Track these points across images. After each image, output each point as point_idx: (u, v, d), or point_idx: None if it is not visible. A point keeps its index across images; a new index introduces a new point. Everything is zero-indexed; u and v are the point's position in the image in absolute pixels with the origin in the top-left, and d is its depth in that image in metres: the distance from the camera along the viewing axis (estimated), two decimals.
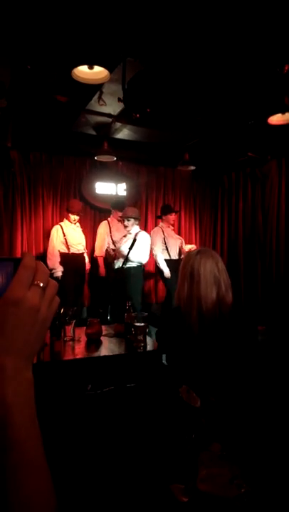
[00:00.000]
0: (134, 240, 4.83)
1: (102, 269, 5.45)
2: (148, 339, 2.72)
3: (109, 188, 6.22)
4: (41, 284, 0.50)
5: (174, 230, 5.96)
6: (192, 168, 5.79)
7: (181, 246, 5.86)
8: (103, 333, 2.87)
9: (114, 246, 5.31)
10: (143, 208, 6.64)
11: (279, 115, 3.73)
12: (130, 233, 4.94)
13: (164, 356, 2.68)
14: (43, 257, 5.50)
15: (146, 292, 6.56)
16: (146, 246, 4.92)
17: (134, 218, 4.92)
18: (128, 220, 4.88)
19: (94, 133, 5.04)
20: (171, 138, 5.24)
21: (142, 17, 2.62)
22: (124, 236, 5.01)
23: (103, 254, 5.46)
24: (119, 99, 3.68)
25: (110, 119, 4.48)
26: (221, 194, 7.06)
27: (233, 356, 1.78)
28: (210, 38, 2.87)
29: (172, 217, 5.80)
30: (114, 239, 5.44)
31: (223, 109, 4.12)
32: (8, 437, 0.44)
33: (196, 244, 7.10)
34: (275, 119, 3.82)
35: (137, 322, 2.66)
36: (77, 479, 1.25)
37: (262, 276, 6.17)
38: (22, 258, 0.50)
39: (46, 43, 2.91)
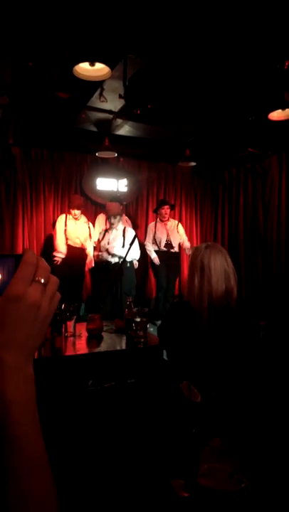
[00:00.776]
0: (124, 237, 4.81)
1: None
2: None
3: (110, 184, 6.22)
4: (42, 281, 0.50)
5: (165, 223, 5.95)
6: (193, 164, 5.79)
7: (182, 243, 5.91)
8: (104, 329, 2.88)
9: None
10: (144, 204, 6.65)
11: (279, 111, 3.72)
12: (117, 229, 4.89)
13: (164, 352, 2.70)
14: (44, 250, 5.52)
15: (148, 287, 6.58)
16: (137, 242, 4.92)
17: (120, 215, 4.91)
18: (114, 218, 4.83)
19: (95, 129, 5.03)
20: (171, 134, 5.23)
21: (142, 14, 2.62)
22: (107, 231, 4.95)
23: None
24: (120, 96, 3.68)
25: (111, 116, 4.47)
26: (221, 189, 7.05)
27: (238, 350, 1.79)
28: (210, 34, 2.86)
29: (164, 210, 5.83)
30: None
31: (223, 104, 4.11)
32: (8, 433, 0.44)
33: (197, 239, 7.12)
34: (276, 115, 3.82)
35: (138, 318, 2.67)
36: (78, 475, 1.27)
37: (262, 271, 6.18)
38: (23, 254, 0.50)
39: (47, 40, 2.90)
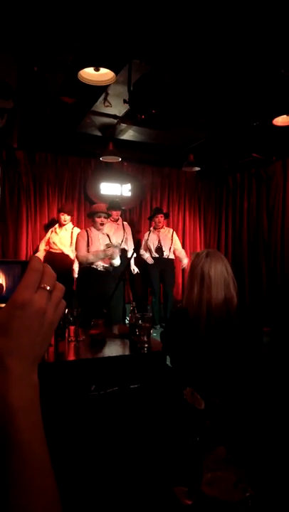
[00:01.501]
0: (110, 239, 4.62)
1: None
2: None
3: (114, 189, 6.24)
4: (48, 288, 0.50)
5: (158, 230, 5.95)
6: (197, 169, 5.80)
7: (177, 253, 5.92)
8: (107, 334, 2.87)
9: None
10: (148, 209, 6.65)
11: (284, 116, 3.73)
12: (104, 233, 4.57)
13: (168, 357, 2.68)
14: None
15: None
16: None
17: (108, 217, 4.64)
18: (105, 218, 4.53)
19: (99, 134, 5.05)
20: (175, 139, 5.24)
21: (147, 19, 2.63)
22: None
23: None
24: (124, 101, 3.69)
25: (116, 120, 4.49)
26: (225, 195, 7.05)
27: (239, 358, 1.78)
28: (215, 39, 2.87)
29: (157, 219, 5.86)
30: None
31: (228, 109, 4.12)
32: (12, 440, 0.44)
33: (200, 244, 7.12)
34: (280, 120, 3.82)
35: (142, 323, 2.66)
36: (81, 480, 1.26)
37: (267, 277, 6.16)
38: (29, 261, 0.50)
39: (52, 45, 2.92)
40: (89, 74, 2.92)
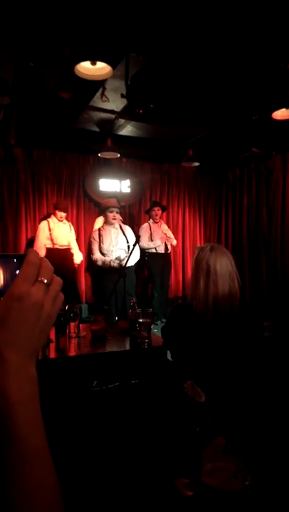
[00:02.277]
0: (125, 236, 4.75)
1: None
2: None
3: (113, 185, 6.22)
4: (45, 281, 0.50)
5: (159, 225, 6.00)
6: (196, 164, 5.79)
7: (169, 242, 5.94)
8: (108, 330, 2.88)
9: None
10: (147, 205, 6.65)
11: (283, 110, 3.71)
12: (116, 228, 4.76)
13: (168, 352, 2.69)
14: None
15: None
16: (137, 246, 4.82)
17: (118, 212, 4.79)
18: (117, 212, 4.68)
19: (97, 129, 5.03)
20: (174, 134, 5.22)
21: (145, 12, 2.61)
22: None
23: None
24: (122, 95, 3.67)
25: (113, 116, 4.47)
26: (225, 190, 7.04)
27: (241, 351, 1.78)
28: (214, 32, 2.85)
29: (154, 212, 5.89)
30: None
31: (227, 104, 4.10)
32: (11, 432, 0.43)
33: (200, 240, 7.11)
34: (280, 114, 3.80)
35: (142, 318, 2.66)
36: (82, 474, 1.26)
37: (267, 272, 6.16)
38: (26, 254, 0.50)
39: (48, 40, 2.90)
40: (86, 68, 2.90)
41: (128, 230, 4.93)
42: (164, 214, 6.41)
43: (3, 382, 0.45)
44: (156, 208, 5.89)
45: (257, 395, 1.59)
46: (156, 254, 5.87)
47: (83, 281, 6.10)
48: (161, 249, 5.89)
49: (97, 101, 4.03)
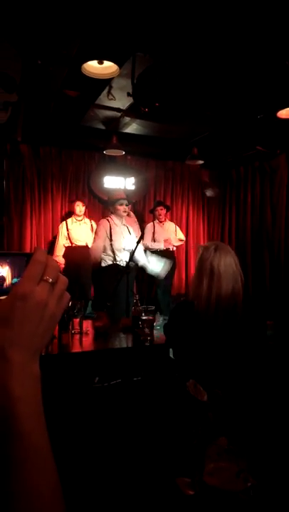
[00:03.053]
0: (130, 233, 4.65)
1: None
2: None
3: (117, 182, 6.23)
4: (50, 280, 0.50)
5: (163, 224, 6.00)
6: (201, 162, 5.77)
7: (169, 243, 5.91)
8: (111, 327, 2.89)
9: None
10: (151, 202, 6.65)
11: (288, 109, 3.70)
12: (124, 225, 4.64)
13: (171, 350, 2.70)
14: (50, 249, 5.56)
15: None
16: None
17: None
18: (127, 205, 4.55)
19: (103, 127, 5.03)
20: (179, 132, 5.22)
21: (151, 12, 2.61)
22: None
23: None
24: (128, 94, 3.67)
25: (119, 114, 4.47)
26: (229, 188, 7.02)
27: (243, 350, 1.79)
28: (220, 31, 2.84)
29: (157, 212, 5.91)
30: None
31: (232, 102, 4.09)
32: (14, 429, 0.44)
33: (204, 238, 7.11)
34: (285, 113, 3.79)
35: (145, 315, 2.67)
36: (84, 471, 1.27)
37: (270, 271, 6.15)
38: (33, 253, 0.50)
39: (56, 38, 2.91)
40: (93, 67, 2.91)
41: (133, 227, 4.90)
42: (168, 212, 6.43)
43: (6, 380, 0.45)
44: (159, 208, 5.92)
45: (259, 394, 1.60)
46: (159, 252, 5.88)
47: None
48: (161, 246, 5.88)
49: (103, 99, 4.03)
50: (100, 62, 2.86)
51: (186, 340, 1.96)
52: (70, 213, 5.68)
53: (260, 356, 1.88)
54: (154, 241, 5.85)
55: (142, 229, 6.20)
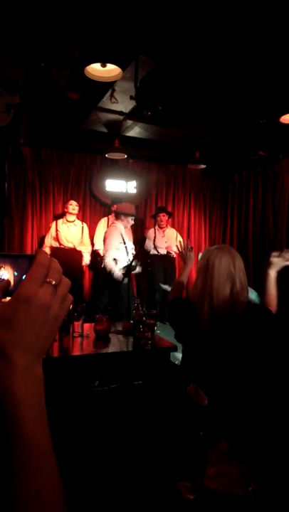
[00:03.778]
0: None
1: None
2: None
3: (119, 186, 6.24)
4: (53, 282, 0.50)
5: (164, 230, 6.06)
6: (203, 166, 5.79)
7: (170, 250, 5.91)
8: (111, 330, 2.88)
9: None
10: (152, 206, 6.65)
11: None
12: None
13: (172, 354, 2.69)
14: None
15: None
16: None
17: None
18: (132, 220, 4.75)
19: (105, 130, 5.04)
20: (182, 136, 5.23)
21: (155, 16, 2.62)
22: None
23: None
24: (131, 97, 3.68)
25: (122, 117, 4.48)
26: (231, 193, 7.02)
27: (243, 355, 1.77)
28: (223, 36, 2.85)
29: (159, 218, 5.96)
30: None
31: (234, 107, 4.10)
32: (17, 431, 0.44)
33: (205, 242, 7.10)
34: (288, 118, 3.79)
35: (146, 319, 2.66)
36: (85, 475, 1.26)
37: None
38: (36, 255, 0.50)
39: (59, 41, 2.92)
40: (96, 70, 2.91)
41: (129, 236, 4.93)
42: (170, 218, 6.46)
43: (9, 382, 0.45)
44: (161, 214, 5.96)
45: (260, 399, 1.59)
46: (159, 256, 5.89)
47: (87, 280, 6.12)
48: (163, 251, 5.92)
49: (105, 102, 4.04)
50: (103, 65, 2.86)
51: (187, 341, 1.94)
52: (63, 214, 5.64)
53: (261, 362, 1.86)
54: (155, 246, 5.86)
55: (143, 233, 6.22)
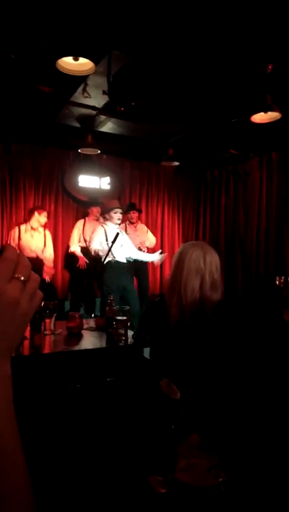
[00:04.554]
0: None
1: (82, 261, 5.46)
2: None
3: (92, 182, 6.18)
4: (22, 278, 0.48)
5: (135, 225, 6.05)
6: (176, 163, 5.82)
7: (143, 246, 5.90)
8: (84, 327, 2.86)
9: (86, 244, 5.34)
10: (126, 202, 6.65)
11: (262, 114, 3.76)
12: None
13: (145, 350, 2.70)
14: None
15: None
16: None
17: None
18: (121, 213, 4.71)
19: (78, 125, 4.98)
20: (155, 133, 5.24)
21: (128, 10, 2.60)
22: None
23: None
24: (103, 92, 3.65)
25: (94, 112, 4.44)
26: (203, 190, 7.11)
27: (212, 351, 1.79)
28: (196, 35, 2.87)
29: (130, 215, 5.92)
30: (86, 238, 5.43)
31: (207, 106, 4.14)
32: None
33: (178, 238, 7.16)
34: (258, 118, 3.86)
35: (119, 316, 2.66)
36: (56, 472, 1.25)
37: (242, 272, 6.26)
38: (3, 250, 0.49)
39: (31, 33, 2.86)
40: (68, 63, 2.86)
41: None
42: (143, 212, 6.46)
43: None
44: (131, 211, 5.94)
45: (231, 391, 1.61)
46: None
47: (60, 278, 6.05)
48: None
49: (78, 96, 3.99)
50: (76, 59, 2.82)
51: (158, 338, 1.96)
52: (25, 220, 5.30)
53: (230, 357, 1.89)
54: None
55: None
